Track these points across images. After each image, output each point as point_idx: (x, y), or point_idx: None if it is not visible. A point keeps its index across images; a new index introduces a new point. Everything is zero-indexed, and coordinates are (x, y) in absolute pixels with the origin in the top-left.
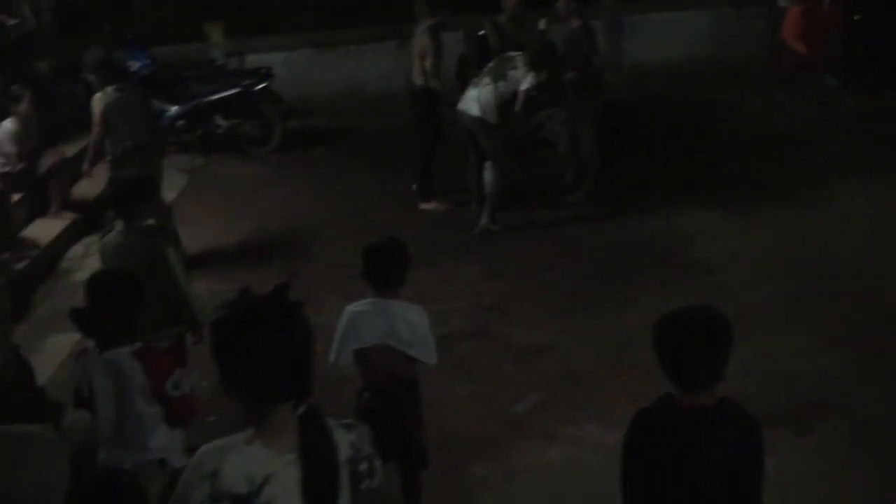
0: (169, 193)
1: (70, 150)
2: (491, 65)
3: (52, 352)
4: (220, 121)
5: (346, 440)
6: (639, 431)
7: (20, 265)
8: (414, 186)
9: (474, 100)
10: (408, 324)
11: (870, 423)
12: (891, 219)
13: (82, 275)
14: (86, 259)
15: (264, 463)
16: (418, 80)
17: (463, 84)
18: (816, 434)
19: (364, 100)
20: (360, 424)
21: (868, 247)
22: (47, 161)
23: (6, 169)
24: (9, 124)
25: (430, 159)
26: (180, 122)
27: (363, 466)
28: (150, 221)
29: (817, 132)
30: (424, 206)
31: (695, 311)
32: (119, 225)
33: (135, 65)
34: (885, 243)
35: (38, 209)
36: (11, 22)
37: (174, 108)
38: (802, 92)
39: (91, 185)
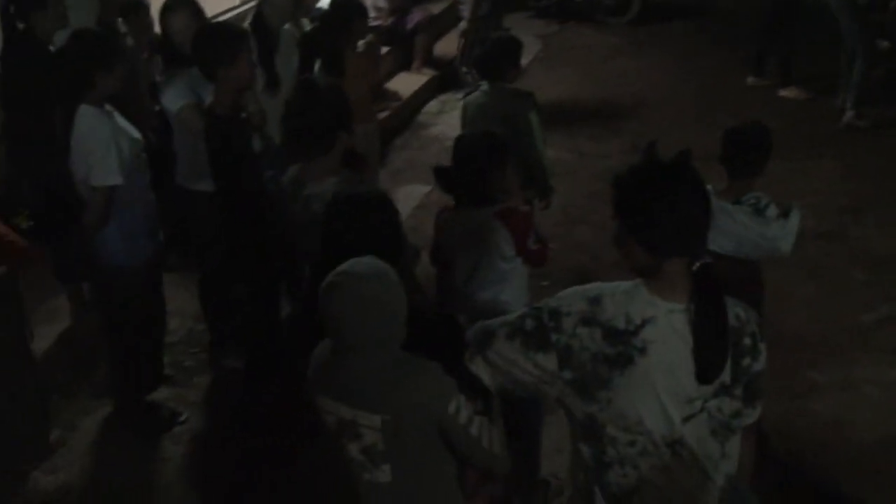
0: (522, 59)
1: (436, 7)
2: None
3: (404, 200)
4: None
5: (732, 311)
6: None
7: (382, 114)
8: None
9: None
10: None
11: None
12: None
13: (436, 130)
14: (441, 115)
15: (646, 306)
16: None
17: None
18: None
19: None
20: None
21: None
22: (414, 17)
23: (377, 22)
24: None
25: (793, 42)
26: None
27: (747, 341)
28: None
29: None
30: (784, 92)
31: None
32: (484, 85)
33: None
34: None
35: (403, 63)
36: None
37: None
38: None
39: (451, 44)
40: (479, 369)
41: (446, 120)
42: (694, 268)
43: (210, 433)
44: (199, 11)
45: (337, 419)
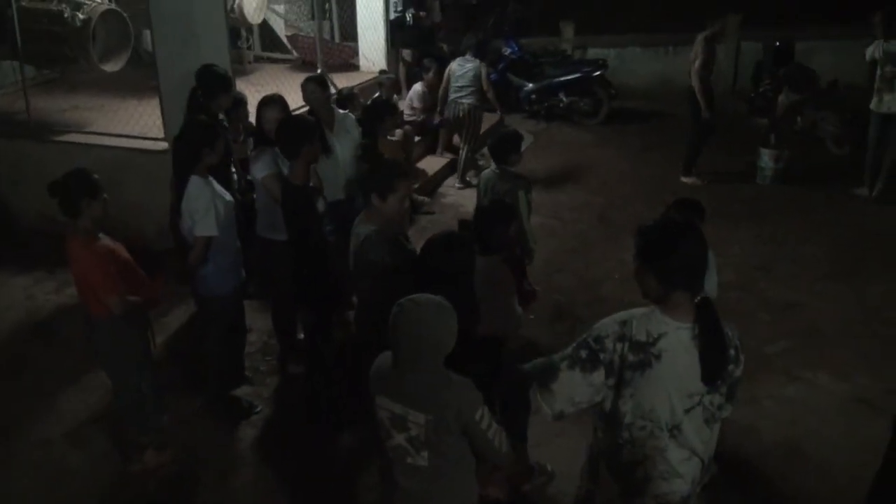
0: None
1: None
2: None
3: None
4: (563, 97)
5: (725, 330)
6: None
7: (414, 186)
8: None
9: None
10: None
11: None
12: None
13: (452, 199)
14: (456, 189)
15: (660, 324)
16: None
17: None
18: None
19: (672, 91)
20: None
21: None
22: (439, 116)
23: (412, 118)
24: (418, 87)
25: (699, 145)
26: (533, 96)
27: (732, 353)
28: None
29: None
30: (684, 179)
31: None
32: (493, 165)
33: (507, 50)
34: None
35: (430, 149)
36: (422, 13)
37: (530, 85)
38: None
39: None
40: (544, 398)
41: (460, 192)
42: (697, 300)
43: (278, 421)
44: (286, 106)
45: (390, 414)
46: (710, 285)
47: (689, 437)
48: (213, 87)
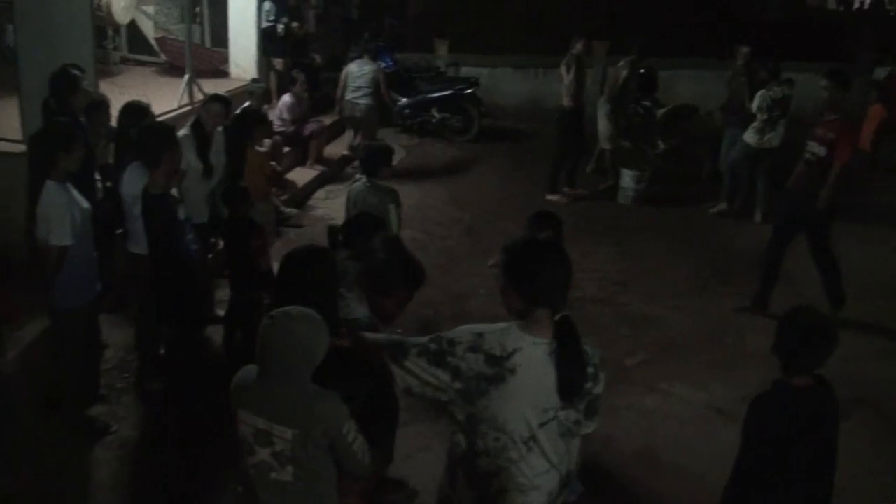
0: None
1: (327, 120)
2: None
3: None
4: (435, 113)
5: (583, 348)
6: (766, 412)
7: (283, 197)
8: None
9: None
10: None
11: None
12: None
13: (322, 211)
14: (326, 200)
15: (516, 339)
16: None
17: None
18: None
19: (542, 111)
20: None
21: None
22: (310, 127)
23: (282, 129)
24: (287, 98)
25: (563, 163)
26: (406, 111)
27: (591, 370)
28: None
29: None
30: (550, 196)
31: (813, 312)
32: (364, 178)
33: (382, 64)
34: None
35: (300, 161)
36: (295, 24)
37: (404, 100)
38: None
39: (338, 148)
40: (396, 373)
41: (330, 205)
42: (557, 317)
43: (135, 441)
44: (149, 113)
45: (254, 429)
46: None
47: (546, 451)
48: (60, 87)
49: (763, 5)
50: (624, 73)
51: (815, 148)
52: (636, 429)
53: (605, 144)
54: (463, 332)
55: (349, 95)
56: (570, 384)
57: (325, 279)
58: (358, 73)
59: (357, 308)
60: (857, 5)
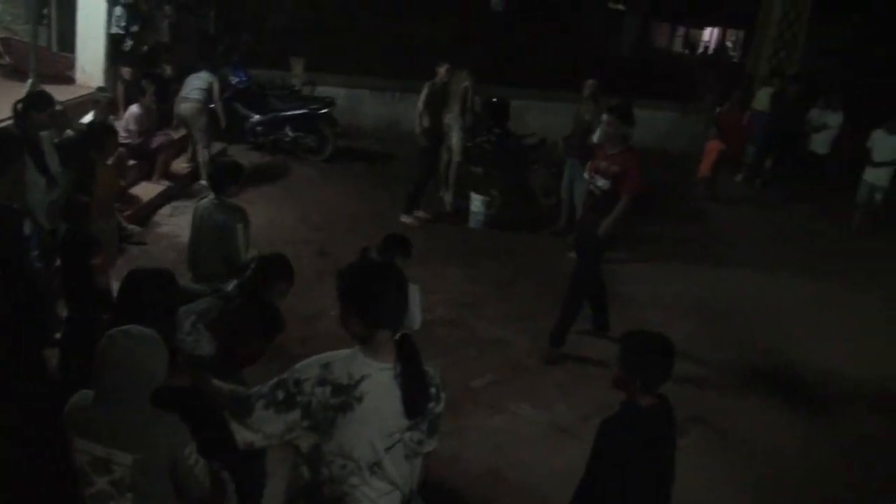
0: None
1: (176, 134)
2: None
3: None
4: (289, 131)
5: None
6: (617, 433)
7: (126, 213)
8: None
9: None
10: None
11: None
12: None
13: (167, 229)
14: (171, 217)
15: (363, 366)
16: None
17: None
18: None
19: (398, 134)
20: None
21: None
22: (158, 140)
23: (127, 141)
24: (135, 109)
25: (423, 186)
26: (259, 128)
27: (433, 390)
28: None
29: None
30: (404, 219)
31: (654, 334)
32: (211, 195)
33: (235, 79)
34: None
35: (145, 175)
36: (134, 29)
37: (256, 116)
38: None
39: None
40: (236, 429)
41: (175, 222)
42: (397, 336)
43: None
44: None
45: (91, 457)
46: (413, 321)
47: (390, 473)
48: None
49: (614, 44)
50: (466, 83)
51: (600, 181)
52: (483, 449)
53: (456, 157)
54: (308, 366)
55: (182, 94)
56: (416, 405)
57: (166, 301)
58: (194, 78)
59: (206, 346)
60: (700, 50)
